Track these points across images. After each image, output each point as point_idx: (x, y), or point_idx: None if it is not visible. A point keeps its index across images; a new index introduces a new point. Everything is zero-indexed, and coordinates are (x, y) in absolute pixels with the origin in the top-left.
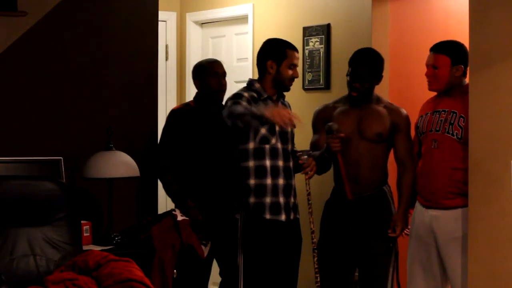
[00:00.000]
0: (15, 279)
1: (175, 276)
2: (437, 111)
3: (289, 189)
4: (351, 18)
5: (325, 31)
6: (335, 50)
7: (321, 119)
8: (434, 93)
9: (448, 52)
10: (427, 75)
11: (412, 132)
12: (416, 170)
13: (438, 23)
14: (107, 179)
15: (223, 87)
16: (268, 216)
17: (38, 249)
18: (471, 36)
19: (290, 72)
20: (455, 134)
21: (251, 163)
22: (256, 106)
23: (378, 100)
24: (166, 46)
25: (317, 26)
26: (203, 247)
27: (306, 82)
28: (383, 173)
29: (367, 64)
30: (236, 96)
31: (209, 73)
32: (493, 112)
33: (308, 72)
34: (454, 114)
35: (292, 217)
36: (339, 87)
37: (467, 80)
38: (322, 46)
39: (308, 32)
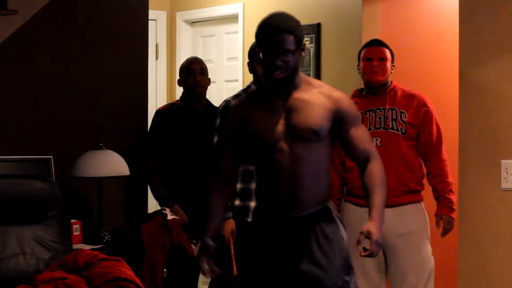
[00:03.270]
0: (5, 278)
1: (165, 275)
2: (371, 110)
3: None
4: (341, 17)
5: (315, 30)
6: (326, 49)
7: (232, 121)
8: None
9: (389, 48)
10: (375, 66)
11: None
12: (353, 171)
13: (428, 23)
14: (97, 178)
15: (198, 83)
16: (250, 219)
17: (28, 248)
18: (461, 35)
19: None
20: (399, 129)
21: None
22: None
23: (309, 85)
24: (156, 45)
25: (307, 25)
26: (193, 246)
27: None
28: (327, 184)
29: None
30: (223, 110)
31: (186, 71)
32: (483, 111)
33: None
34: (394, 110)
35: None
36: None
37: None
38: (313, 45)
39: None
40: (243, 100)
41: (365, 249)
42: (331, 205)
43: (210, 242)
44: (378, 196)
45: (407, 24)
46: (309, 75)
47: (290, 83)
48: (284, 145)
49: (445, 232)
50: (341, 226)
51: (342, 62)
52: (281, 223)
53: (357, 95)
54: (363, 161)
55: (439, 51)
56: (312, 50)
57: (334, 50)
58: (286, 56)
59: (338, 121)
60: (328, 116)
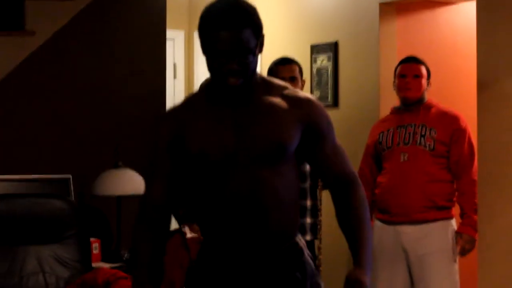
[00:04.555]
0: None
1: None
2: (402, 126)
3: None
4: (359, 35)
5: (332, 48)
6: (343, 67)
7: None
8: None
9: (425, 65)
10: (409, 82)
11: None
12: (380, 186)
13: (445, 39)
14: (116, 197)
15: None
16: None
17: (48, 266)
18: (479, 51)
19: None
20: (427, 145)
21: None
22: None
23: (268, 87)
24: (174, 65)
25: (324, 44)
26: None
27: None
28: (295, 213)
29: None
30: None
31: None
32: (502, 125)
33: (316, 89)
34: (424, 127)
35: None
36: (347, 104)
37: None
38: (330, 63)
39: (315, 50)
40: (177, 108)
41: None
42: (301, 242)
43: None
44: (363, 234)
45: (425, 40)
46: (327, 94)
47: (247, 85)
48: (239, 167)
49: (463, 252)
50: (313, 271)
51: (360, 80)
52: (234, 268)
53: (393, 112)
54: (338, 188)
55: (457, 67)
56: (329, 68)
57: (351, 68)
58: (244, 58)
59: (307, 133)
60: (295, 127)
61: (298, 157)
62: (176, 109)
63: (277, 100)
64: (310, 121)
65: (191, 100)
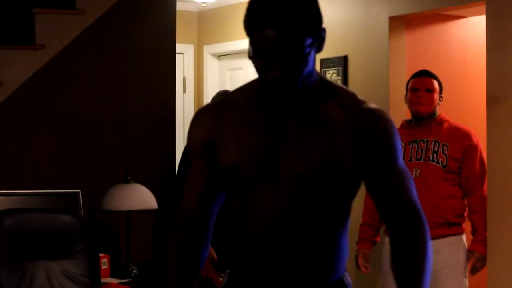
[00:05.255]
0: None
1: None
2: (414, 141)
3: None
4: (368, 49)
5: (342, 62)
6: (353, 81)
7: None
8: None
9: (437, 79)
10: (421, 97)
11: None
12: None
13: (455, 53)
14: (125, 212)
15: None
16: None
17: (56, 282)
18: (488, 65)
19: None
20: (440, 162)
21: None
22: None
23: (328, 93)
24: (184, 79)
25: (334, 58)
26: (220, 278)
27: None
28: (342, 245)
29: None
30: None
31: None
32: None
33: None
34: (437, 143)
35: None
36: None
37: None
38: (340, 77)
39: (325, 64)
40: (215, 107)
41: None
42: (347, 279)
43: None
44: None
45: (434, 55)
46: None
47: (300, 90)
48: (277, 187)
49: (474, 270)
50: None
51: (370, 94)
52: None
53: (404, 126)
54: (397, 224)
55: (467, 81)
56: (339, 82)
57: (361, 82)
58: (292, 62)
59: (366, 153)
60: (349, 145)
61: (354, 181)
62: (215, 107)
63: (335, 110)
64: (369, 138)
65: (234, 99)
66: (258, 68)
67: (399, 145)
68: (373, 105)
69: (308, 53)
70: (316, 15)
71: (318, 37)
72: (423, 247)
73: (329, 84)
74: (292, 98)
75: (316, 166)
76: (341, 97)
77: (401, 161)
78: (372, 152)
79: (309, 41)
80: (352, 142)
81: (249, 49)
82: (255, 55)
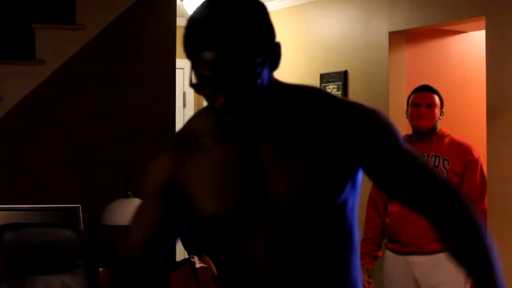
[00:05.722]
0: None
1: None
2: None
3: None
4: (368, 64)
5: (342, 77)
6: (353, 96)
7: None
8: None
9: (438, 94)
10: (422, 112)
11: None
12: (392, 216)
13: (455, 68)
14: (125, 226)
15: None
16: None
17: None
18: (488, 80)
19: None
20: None
21: None
22: None
23: (295, 102)
24: (184, 94)
25: (334, 72)
26: None
27: None
28: (355, 268)
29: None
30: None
31: None
32: (511, 155)
33: None
34: (437, 158)
35: None
36: None
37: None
38: (340, 92)
39: (325, 78)
40: (176, 145)
41: None
42: None
43: None
44: (489, 251)
45: (434, 70)
46: None
47: (252, 117)
48: (276, 228)
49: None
50: None
51: None
52: None
53: (405, 140)
54: (437, 208)
55: (467, 96)
56: None
57: (361, 97)
58: (239, 88)
59: (364, 159)
60: (340, 159)
61: (352, 193)
62: (175, 145)
63: (309, 121)
64: (361, 143)
65: (193, 132)
66: (205, 97)
67: (398, 132)
68: (352, 102)
69: (259, 74)
70: (265, 30)
71: (272, 53)
72: (476, 220)
73: (289, 85)
74: (247, 125)
75: (309, 195)
76: (314, 102)
77: (406, 145)
78: (371, 154)
79: (258, 60)
80: (342, 155)
81: (190, 76)
82: (198, 82)
